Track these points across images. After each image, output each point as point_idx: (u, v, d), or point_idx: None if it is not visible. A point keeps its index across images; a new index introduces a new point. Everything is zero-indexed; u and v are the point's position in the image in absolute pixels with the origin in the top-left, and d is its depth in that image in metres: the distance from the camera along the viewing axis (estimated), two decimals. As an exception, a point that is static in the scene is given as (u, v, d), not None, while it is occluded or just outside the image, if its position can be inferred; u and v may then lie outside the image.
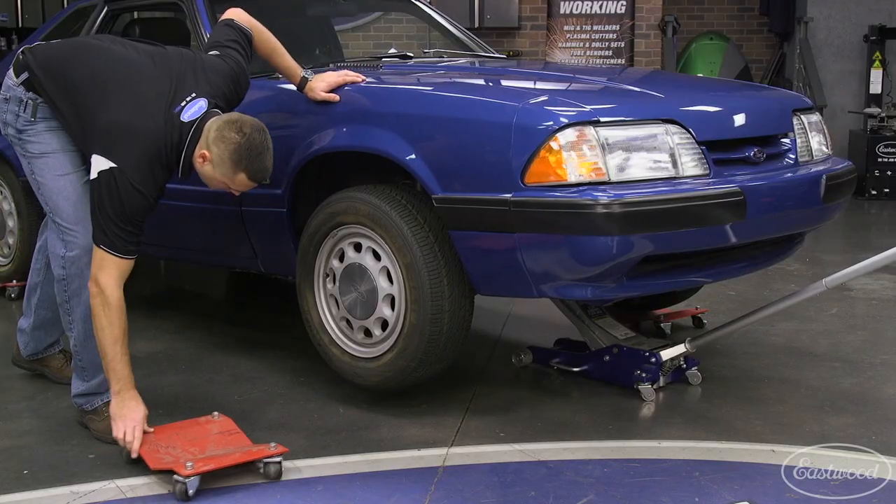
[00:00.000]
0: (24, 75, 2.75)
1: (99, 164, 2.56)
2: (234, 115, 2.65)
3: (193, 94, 2.66)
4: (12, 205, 4.40)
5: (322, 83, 2.91)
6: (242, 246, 3.31)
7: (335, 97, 2.89)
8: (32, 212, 4.31)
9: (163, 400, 3.06)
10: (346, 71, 2.98)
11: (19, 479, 2.49)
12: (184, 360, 3.50)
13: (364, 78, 2.97)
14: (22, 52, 2.80)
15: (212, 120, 2.61)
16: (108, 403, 2.76)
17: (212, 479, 2.46)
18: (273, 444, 2.52)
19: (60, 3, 8.99)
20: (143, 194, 2.56)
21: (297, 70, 2.97)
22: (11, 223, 4.44)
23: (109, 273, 2.58)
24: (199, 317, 4.13)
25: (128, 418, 2.59)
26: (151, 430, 2.63)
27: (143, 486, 2.44)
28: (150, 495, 2.40)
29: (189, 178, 2.72)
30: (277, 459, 2.48)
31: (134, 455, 2.54)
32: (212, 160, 2.59)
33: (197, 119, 2.62)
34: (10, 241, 4.47)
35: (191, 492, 2.37)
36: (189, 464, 2.40)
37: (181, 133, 2.61)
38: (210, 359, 3.49)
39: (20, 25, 9.69)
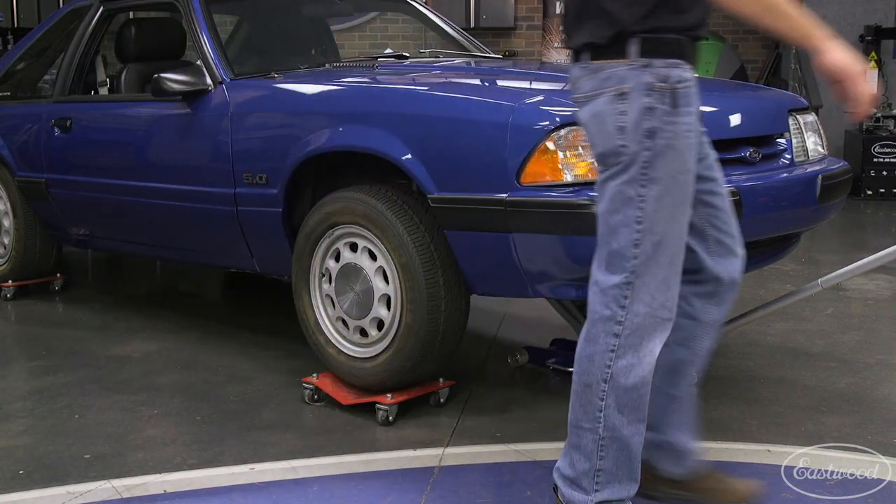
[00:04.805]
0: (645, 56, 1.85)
1: None
2: None
3: None
4: (8, 205, 4.39)
5: None
6: (238, 246, 3.31)
7: None
8: (28, 212, 4.31)
9: (159, 400, 3.06)
10: None
11: (15, 479, 2.49)
12: (179, 360, 3.50)
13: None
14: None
15: None
16: None
17: (207, 480, 2.46)
18: (441, 380, 2.94)
19: (56, 3, 8.96)
20: None
21: None
22: (7, 223, 4.42)
23: None
24: (195, 317, 4.12)
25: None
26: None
27: (138, 486, 2.43)
28: (145, 495, 2.40)
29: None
30: (446, 390, 2.95)
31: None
32: None
33: None
34: (6, 241, 4.45)
35: (391, 418, 2.79)
36: (389, 395, 2.80)
37: None
38: (206, 359, 3.48)
39: (16, 25, 9.65)
